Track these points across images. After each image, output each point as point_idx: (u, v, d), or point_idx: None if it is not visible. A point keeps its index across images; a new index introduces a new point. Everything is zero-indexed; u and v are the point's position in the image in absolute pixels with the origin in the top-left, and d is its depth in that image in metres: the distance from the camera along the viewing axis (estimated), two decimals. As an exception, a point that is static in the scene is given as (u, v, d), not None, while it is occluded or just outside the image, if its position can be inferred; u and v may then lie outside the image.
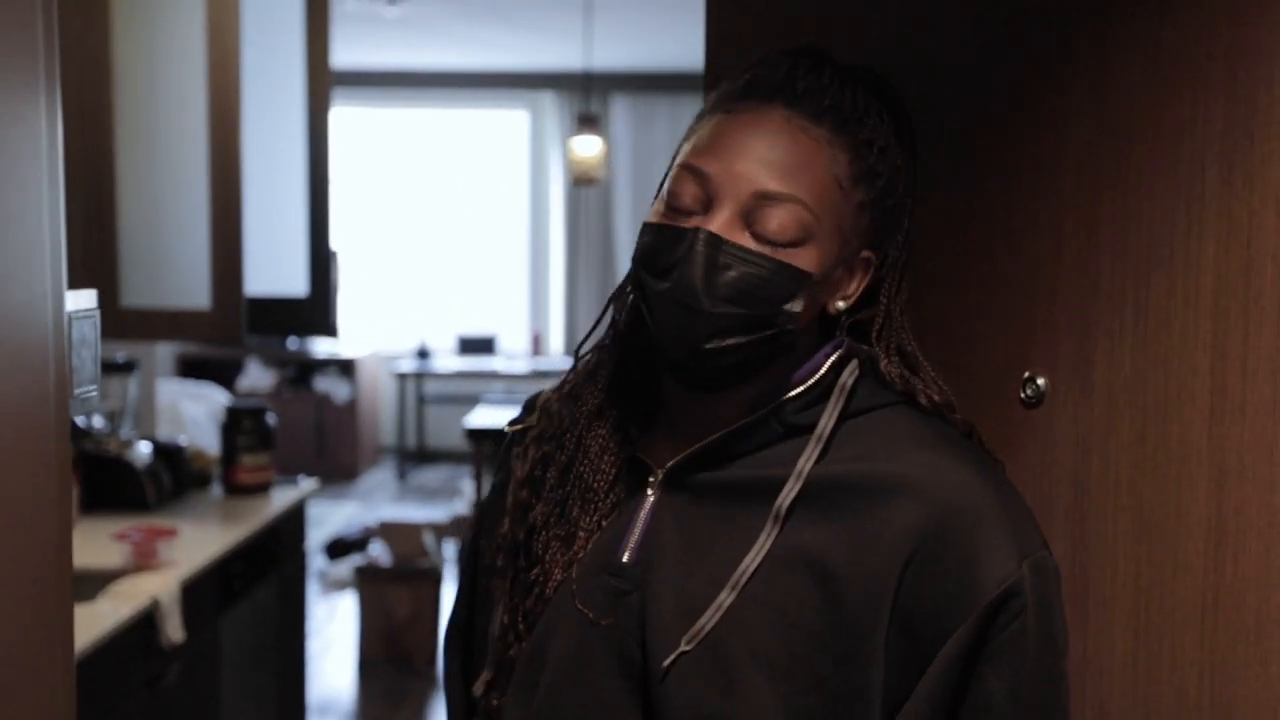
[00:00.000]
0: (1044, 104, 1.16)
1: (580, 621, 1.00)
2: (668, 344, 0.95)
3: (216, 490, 3.24)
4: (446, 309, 8.74)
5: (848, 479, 0.93)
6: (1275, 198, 0.98)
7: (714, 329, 0.92)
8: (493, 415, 5.17)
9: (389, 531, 4.86)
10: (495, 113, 8.73)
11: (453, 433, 8.65)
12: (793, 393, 0.96)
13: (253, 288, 3.27)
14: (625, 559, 0.99)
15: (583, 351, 1.10)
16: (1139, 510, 1.09)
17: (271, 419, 3.27)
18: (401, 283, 8.70)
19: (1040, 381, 1.17)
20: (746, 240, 0.92)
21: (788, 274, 0.92)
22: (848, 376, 0.96)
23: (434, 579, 4.63)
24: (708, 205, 0.94)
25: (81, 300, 1.12)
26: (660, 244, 0.94)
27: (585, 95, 6.51)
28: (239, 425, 3.19)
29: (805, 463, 0.94)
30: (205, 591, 2.63)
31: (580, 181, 5.69)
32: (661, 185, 1.03)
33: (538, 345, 8.51)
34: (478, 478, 4.90)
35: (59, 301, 0.98)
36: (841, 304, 0.99)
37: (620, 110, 8.39)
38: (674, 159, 1.01)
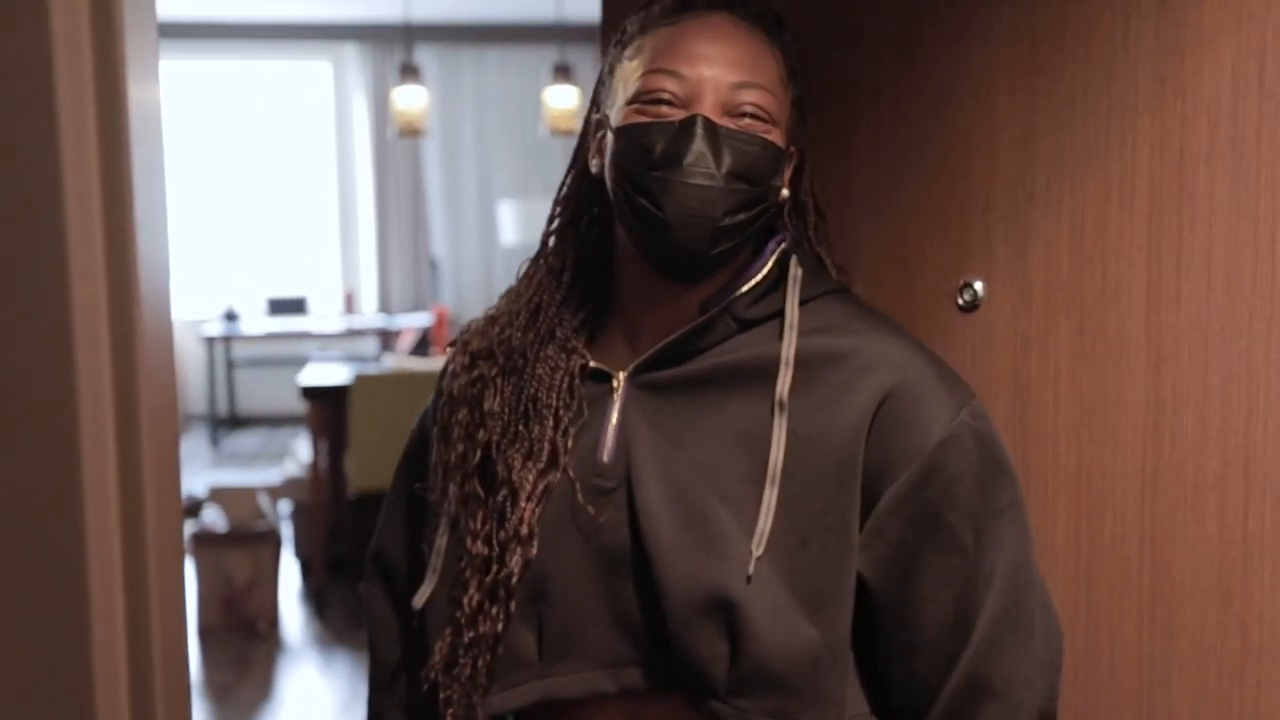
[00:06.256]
0: (975, 23, 1.24)
1: (580, 527, 1.05)
2: (682, 229, 0.99)
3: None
4: (253, 270, 8.41)
5: (810, 355, 1.02)
6: (1206, 106, 1.09)
7: (729, 205, 1.00)
8: (325, 372, 5.04)
9: (222, 496, 4.70)
10: (296, 64, 8.42)
11: (265, 396, 8.37)
12: (745, 288, 1.05)
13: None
14: (605, 459, 1.05)
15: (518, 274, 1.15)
16: (1079, 398, 1.19)
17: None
18: (204, 244, 8.32)
19: (977, 286, 1.26)
20: (732, 125, 1.01)
21: (772, 150, 1.02)
22: (796, 268, 1.06)
23: (274, 541, 4.51)
24: (685, 104, 1.01)
25: None
26: (652, 139, 1.00)
27: (406, 46, 6.38)
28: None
29: (788, 348, 1.02)
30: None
31: (405, 133, 5.58)
32: (593, 109, 1.10)
33: (350, 304, 8.31)
34: (316, 436, 4.78)
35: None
36: (785, 191, 1.08)
37: (427, 62, 8.23)
38: (599, 96, 1.09)
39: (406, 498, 1.21)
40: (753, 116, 1.01)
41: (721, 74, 1.01)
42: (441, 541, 1.11)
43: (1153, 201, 1.13)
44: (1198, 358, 1.11)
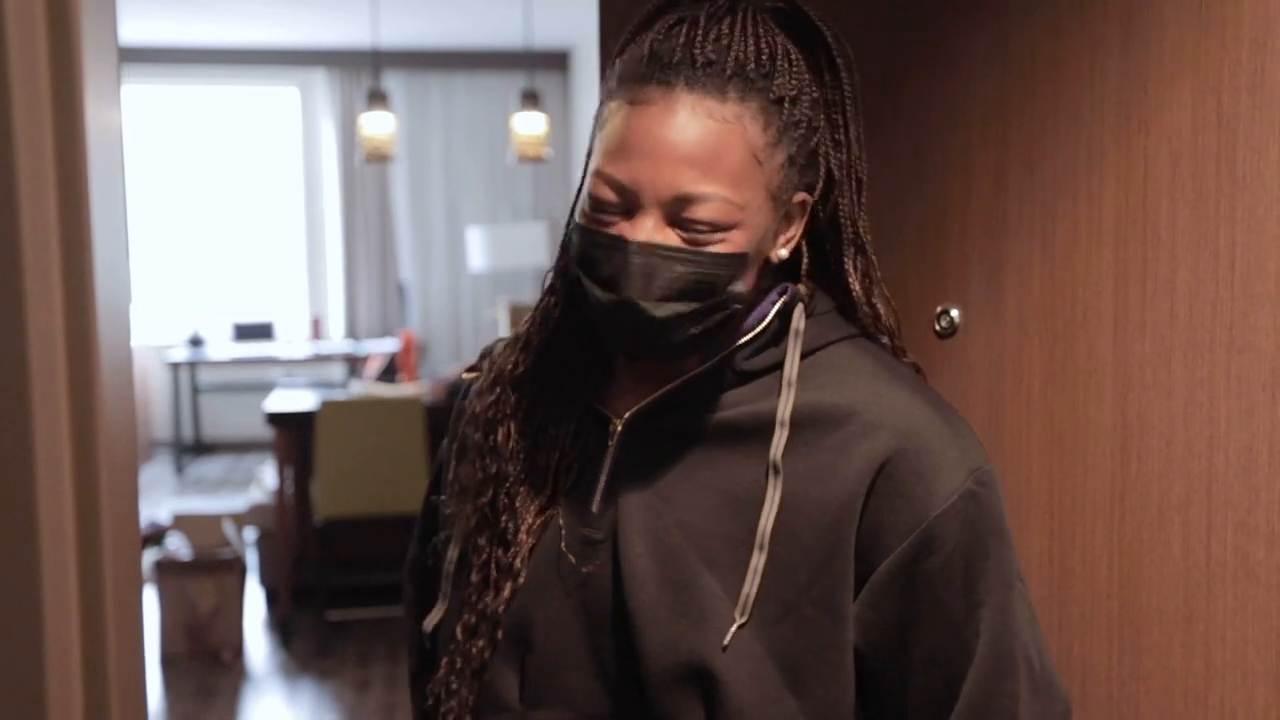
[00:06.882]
0: (950, 55, 1.28)
1: (564, 576, 1.03)
2: (621, 347, 0.99)
3: None
4: (220, 296, 8.37)
5: (808, 415, 0.98)
6: (1168, 139, 1.13)
7: (665, 328, 0.95)
8: (291, 398, 5.02)
9: (187, 523, 4.66)
10: (264, 89, 8.40)
11: (231, 422, 8.31)
12: (742, 340, 1.00)
13: None
14: (594, 508, 1.03)
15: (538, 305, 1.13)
16: (1050, 422, 1.22)
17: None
18: (170, 269, 8.27)
19: (954, 313, 1.29)
20: (675, 239, 0.93)
21: (723, 262, 0.94)
22: (798, 320, 1.00)
23: (238, 569, 4.47)
24: (629, 210, 0.94)
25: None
26: (594, 251, 0.96)
27: (374, 72, 6.39)
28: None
29: (784, 408, 0.97)
30: None
31: (373, 159, 5.58)
32: (584, 175, 1.03)
33: (317, 330, 8.28)
34: (282, 463, 4.75)
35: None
36: (784, 251, 1.01)
37: (395, 87, 8.24)
38: (593, 143, 1.01)
39: (427, 517, 1.23)
40: (700, 234, 0.93)
41: (666, 181, 0.92)
42: (453, 554, 1.11)
43: (1119, 230, 1.17)
44: (1162, 383, 1.14)
